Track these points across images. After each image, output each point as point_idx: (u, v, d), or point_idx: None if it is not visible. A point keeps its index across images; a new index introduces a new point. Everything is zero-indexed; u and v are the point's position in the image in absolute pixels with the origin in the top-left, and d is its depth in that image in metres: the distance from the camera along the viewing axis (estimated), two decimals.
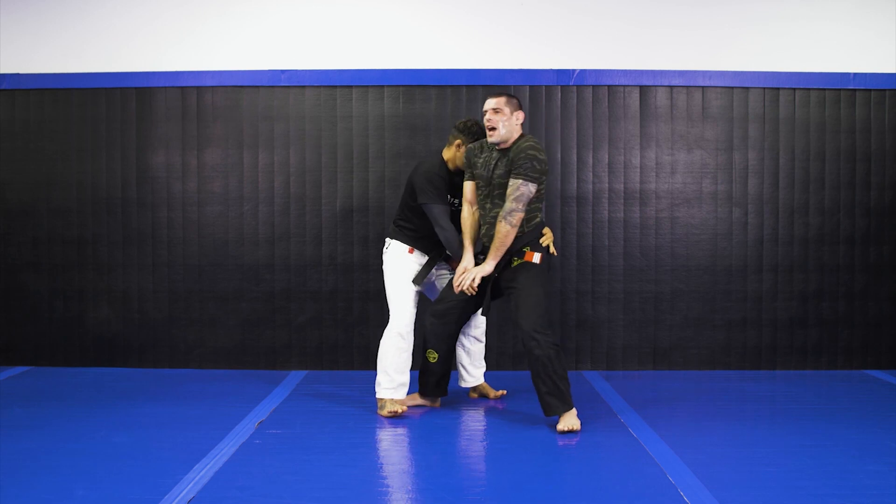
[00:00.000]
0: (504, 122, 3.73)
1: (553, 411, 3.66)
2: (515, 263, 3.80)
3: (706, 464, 3.18)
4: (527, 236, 3.80)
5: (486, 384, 4.39)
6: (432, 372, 4.05)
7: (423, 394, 4.13)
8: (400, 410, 3.88)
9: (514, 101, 3.79)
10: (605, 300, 5.09)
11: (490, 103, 3.76)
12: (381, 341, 3.98)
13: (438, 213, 3.96)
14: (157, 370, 5.09)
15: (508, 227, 3.69)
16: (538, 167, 3.69)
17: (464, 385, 4.39)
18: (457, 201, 4.14)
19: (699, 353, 5.11)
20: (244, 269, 5.10)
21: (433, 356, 4.01)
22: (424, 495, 2.87)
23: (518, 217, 3.69)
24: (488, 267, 3.77)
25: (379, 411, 3.96)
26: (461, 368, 4.37)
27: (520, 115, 3.79)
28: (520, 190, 3.67)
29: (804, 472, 3.09)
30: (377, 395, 3.97)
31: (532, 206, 3.78)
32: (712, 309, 5.10)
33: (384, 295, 4.22)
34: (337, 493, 2.88)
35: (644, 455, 3.31)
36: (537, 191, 3.73)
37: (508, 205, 3.68)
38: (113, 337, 5.14)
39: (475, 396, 4.38)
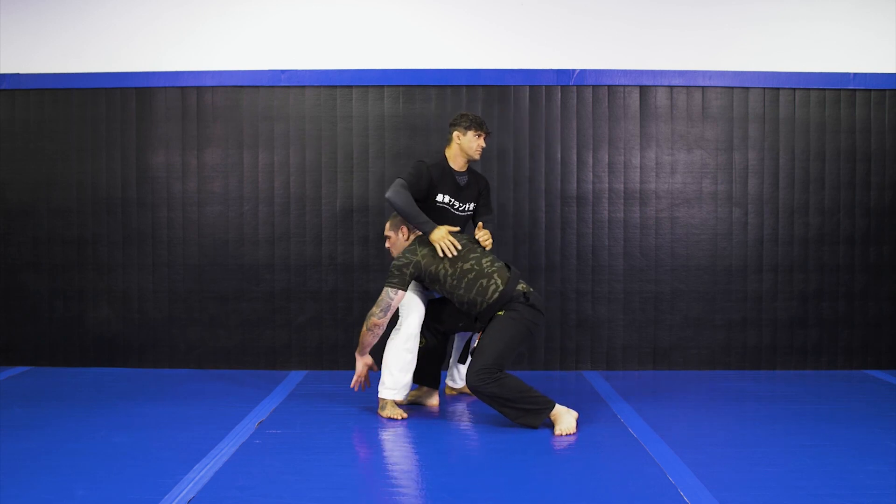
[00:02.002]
0: (394, 245, 4.09)
1: (534, 425, 3.68)
2: (500, 313, 3.81)
3: (706, 464, 3.18)
4: (493, 306, 3.78)
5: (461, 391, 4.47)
6: (420, 358, 4.10)
7: (413, 379, 4.16)
8: (398, 417, 3.89)
9: (396, 219, 4.08)
10: (605, 300, 5.09)
11: (385, 230, 4.13)
12: (388, 342, 3.99)
13: (397, 182, 3.99)
14: (157, 370, 5.09)
15: (365, 328, 3.88)
16: (395, 272, 3.86)
17: (451, 385, 4.46)
18: (456, 202, 4.15)
19: (699, 353, 5.11)
20: (244, 269, 5.10)
21: (422, 341, 4.09)
22: (424, 495, 2.87)
23: (373, 321, 3.86)
24: (359, 366, 4.00)
25: (379, 411, 3.96)
26: (452, 369, 4.44)
27: (403, 231, 4.07)
28: (382, 298, 3.86)
29: (804, 472, 3.09)
30: (379, 395, 3.97)
31: (469, 282, 3.78)
32: (712, 309, 5.10)
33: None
34: (337, 493, 2.88)
35: (644, 455, 3.31)
36: (450, 274, 3.81)
37: (373, 308, 3.88)
38: (113, 337, 5.14)
39: (454, 394, 4.45)
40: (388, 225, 4.13)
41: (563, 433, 3.60)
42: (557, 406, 3.68)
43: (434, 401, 4.21)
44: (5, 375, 4.88)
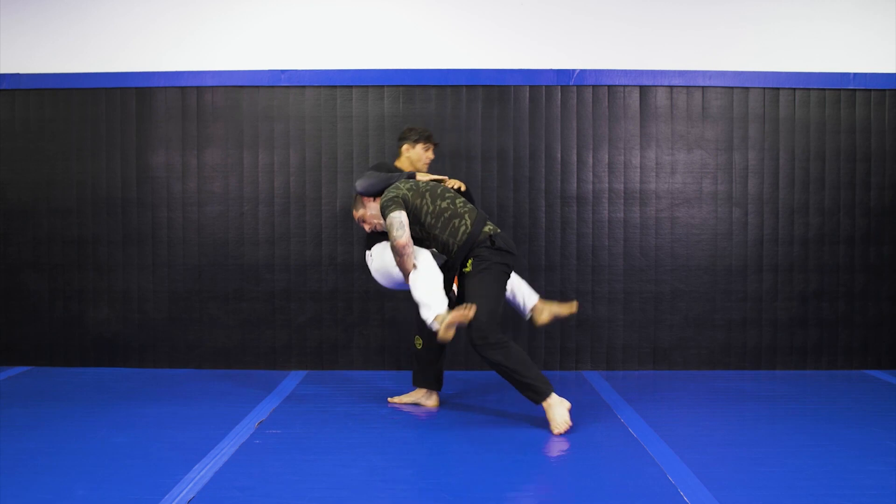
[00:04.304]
0: (371, 216, 4.00)
1: (535, 401, 3.70)
2: (467, 269, 3.81)
3: (706, 464, 3.18)
4: (462, 249, 3.78)
5: (544, 303, 4.17)
6: (418, 359, 4.14)
7: (413, 381, 4.20)
8: (461, 319, 3.67)
9: (358, 197, 4.02)
10: (605, 300, 5.09)
11: (357, 214, 4.06)
12: (412, 286, 3.83)
13: (362, 175, 3.99)
14: (157, 370, 5.09)
15: (397, 258, 3.78)
16: (389, 203, 3.78)
17: (528, 314, 4.19)
18: None
19: (699, 353, 5.11)
20: (244, 269, 5.10)
21: (419, 342, 4.12)
22: (424, 495, 2.87)
23: (398, 244, 3.72)
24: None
25: (441, 330, 3.66)
26: (520, 305, 4.20)
27: (368, 200, 3.99)
28: (390, 222, 3.76)
29: (804, 472, 3.09)
30: (430, 323, 3.74)
31: (444, 221, 3.78)
32: (712, 309, 5.10)
33: (382, 290, 4.21)
34: (337, 493, 2.88)
35: (644, 455, 3.31)
36: (429, 211, 3.79)
37: (391, 234, 3.77)
38: (113, 337, 5.14)
39: (545, 318, 4.14)
40: (354, 209, 4.10)
41: (562, 431, 3.61)
42: (553, 395, 3.70)
43: (434, 401, 4.21)
44: (5, 375, 4.88)
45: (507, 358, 3.67)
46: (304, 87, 5.07)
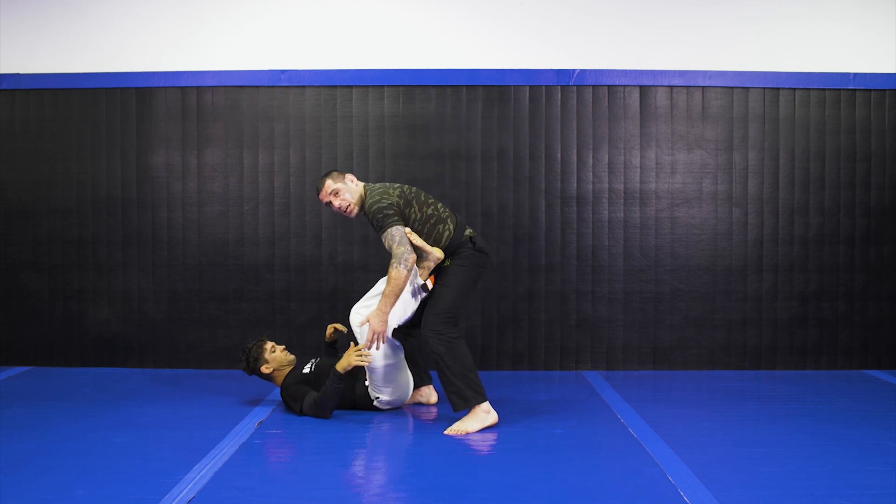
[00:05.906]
0: (346, 194, 3.81)
1: (456, 407, 3.69)
2: (446, 265, 3.83)
3: (706, 464, 3.18)
4: (448, 249, 3.80)
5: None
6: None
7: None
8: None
9: (334, 174, 3.84)
10: (605, 300, 5.09)
11: (325, 192, 3.84)
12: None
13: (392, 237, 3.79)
14: (157, 370, 5.09)
15: (405, 271, 3.60)
16: (387, 212, 3.67)
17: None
18: None
19: (699, 353, 5.11)
20: (244, 269, 5.10)
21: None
22: (424, 495, 2.87)
23: (411, 259, 3.60)
24: (382, 314, 3.71)
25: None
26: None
27: (348, 177, 3.85)
28: (391, 238, 3.64)
29: (804, 472, 3.09)
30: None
31: (429, 228, 3.77)
32: (712, 309, 5.10)
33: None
34: (337, 493, 2.88)
35: (644, 455, 3.31)
36: (417, 219, 3.75)
37: (395, 251, 3.61)
38: (113, 337, 5.14)
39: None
40: (326, 184, 3.83)
41: (452, 433, 3.62)
42: (486, 403, 3.70)
43: (433, 398, 4.21)
44: (5, 375, 4.88)
45: (449, 351, 3.66)
46: (304, 87, 5.07)
